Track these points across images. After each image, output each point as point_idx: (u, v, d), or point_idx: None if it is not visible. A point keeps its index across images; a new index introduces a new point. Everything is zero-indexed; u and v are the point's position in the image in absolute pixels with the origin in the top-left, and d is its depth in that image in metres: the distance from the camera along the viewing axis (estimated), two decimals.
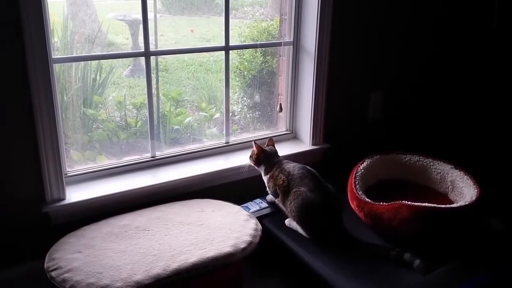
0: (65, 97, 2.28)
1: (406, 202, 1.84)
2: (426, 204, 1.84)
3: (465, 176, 2.11)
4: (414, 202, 1.84)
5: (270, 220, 2.09)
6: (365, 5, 2.47)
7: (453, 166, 2.18)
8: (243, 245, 1.76)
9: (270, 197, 2.15)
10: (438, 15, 2.78)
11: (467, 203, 1.91)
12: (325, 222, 1.92)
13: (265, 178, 2.12)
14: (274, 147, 2.20)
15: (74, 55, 2.39)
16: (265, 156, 2.12)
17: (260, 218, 2.05)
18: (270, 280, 2.08)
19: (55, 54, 2.05)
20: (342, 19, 2.39)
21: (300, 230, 1.98)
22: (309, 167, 2.03)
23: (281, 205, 2.06)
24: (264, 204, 2.18)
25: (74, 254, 1.68)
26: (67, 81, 2.32)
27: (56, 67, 2.02)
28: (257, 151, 2.13)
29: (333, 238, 1.91)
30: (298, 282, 2.00)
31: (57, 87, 1.93)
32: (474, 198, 1.94)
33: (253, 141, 2.19)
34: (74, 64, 2.33)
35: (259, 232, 1.87)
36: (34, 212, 1.89)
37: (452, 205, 1.92)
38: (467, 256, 1.86)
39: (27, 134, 1.82)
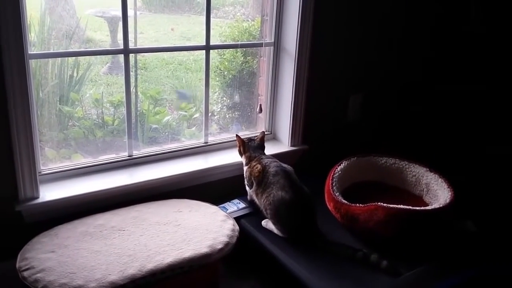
0: (40, 94, 2.23)
1: (381, 204, 1.86)
2: (401, 206, 1.87)
3: (440, 179, 2.14)
4: (390, 204, 1.87)
5: (247, 221, 2.09)
6: (346, 7, 2.49)
7: (428, 169, 2.22)
8: (219, 246, 1.76)
9: (250, 196, 2.17)
10: (419, 22, 2.82)
11: (441, 205, 1.95)
12: (297, 220, 1.93)
13: (244, 168, 2.16)
14: (262, 142, 2.22)
15: (51, 51, 2.35)
16: (244, 148, 2.19)
17: (237, 219, 2.05)
18: (246, 281, 2.08)
19: (32, 50, 2.01)
20: (323, 21, 2.41)
21: (274, 229, 1.99)
22: (285, 165, 2.05)
23: (254, 196, 2.08)
24: (242, 205, 2.18)
25: (47, 253, 1.65)
26: (43, 78, 2.27)
27: (32, 63, 1.98)
28: (238, 144, 2.22)
29: (305, 236, 1.92)
30: (274, 283, 2.01)
31: (32, 83, 1.89)
32: (448, 201, 1.98)
33: (235, 134, 2.24)
34: (50, 60, 2.29)
35: (236, 233, 1.88)
36: (7, 210, 1.85)
37: (426, 207, 1.96)
38: (441, 257, 1.89)
39: (1, 131, 1.78)
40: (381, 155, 2.35)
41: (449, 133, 2.86)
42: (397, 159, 2.32)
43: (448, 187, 2.07)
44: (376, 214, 1.85)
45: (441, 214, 1.92)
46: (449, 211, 1.94)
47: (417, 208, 1.90)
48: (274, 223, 1.98)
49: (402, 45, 2.81)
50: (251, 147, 2.18)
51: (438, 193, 2.11)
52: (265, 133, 2.60)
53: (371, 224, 1.87)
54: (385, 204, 1.86)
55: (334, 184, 2.09)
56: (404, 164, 2.30)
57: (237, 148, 2.24)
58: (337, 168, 2.19)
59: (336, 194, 2.03)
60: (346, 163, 2.24)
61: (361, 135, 2.82)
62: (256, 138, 2.24)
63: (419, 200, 2.21)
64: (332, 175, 2.14)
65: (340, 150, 2.50)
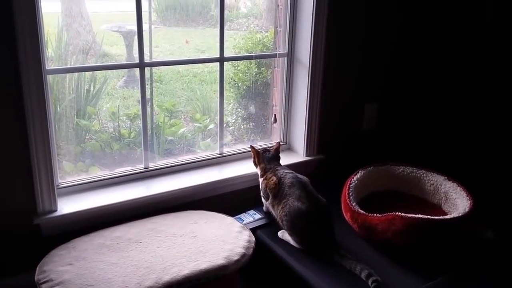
0: (58, 108, 2.27)
1: (399, 213, 1.84)
2: (420, 216, 1.84)
3: (458, 188, 2.11)
4: (408, 214, 1.84)
5: (263, 232, 2.08)
6: (360, 17, 2.49)
7: (446, 178, 2.19)
8: (236, 257, 1.75)
9: (265, 207, 2.16)
10: (433, 30, 2.80)
11: (460, 214, 1.91)
12: (313, 231, 1.91)
13: (260, 180, 2.16)
14: (277, 153, 2.22)
15: (68, 66, 2.39)
16: (258, 159, 2.19)
17: (253, 230, 2.04)
18: None
19: (49, 65, 2.05)
20: (337, 31, 2.41)
21: (291, 240, 1.97)
22: (301, 176, 2.04)
23: (271, 208, 2.07)
24: (258, 216, 2.17)
25: (65, 266, 1.66)
26: (61, 92, 2.31)
27: (50, 78, 2.02)
28: (252, 155, 2.21)
29: (322, 248, 1.90)
30: None
31: (50, 98, 1.92)
32: (467, 210, 1.94)
33: (250, 145, 2.25)
34: (68, 74, 2.33)
35: (253, 244, 1.86)
36: (25, 223, 1.87)
37: (445, 217, 1.92)
38: (460, 267, 1.86)
39: (20, 145, 1.80)
40: (398, 164, 2.32)
41: (466, 141, 2.82)
42: (414, 168, 2.29)
43: (467, 196, 2.04)
44: (394, 223, 1.83)
45: (460, 223, 1.89)
46: (468, 220, 1.91)
47: (436, 217, 1.87)
48: (290, 234, 1.97)
49: (418, 54, 2.79)
50: (266, 158, 2.18)
51: (457, 202, 2.07)
52: (280, 143, 2.60)
53: (389, 234, 1.84)
54: (403, 214, 1.84)
55: (350, 194, 2.07)
56: (421, 173, 2.27)
57: (252, 159, 2.24)
58: (353, 177, 2.17)
59: (353, 204, 2.01)
60: (362, 173, 2.22)
61: (377, 144, 2.80)
62: (271, 148, 2.23)
63: (438, 209, 2.17)
64: (349, 185, 2.12)
65: (356, 159, 2.48)
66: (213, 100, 2.76)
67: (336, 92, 2.53)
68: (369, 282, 1.69)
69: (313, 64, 2.37)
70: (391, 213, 1.86)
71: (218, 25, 2.24)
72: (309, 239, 1.92)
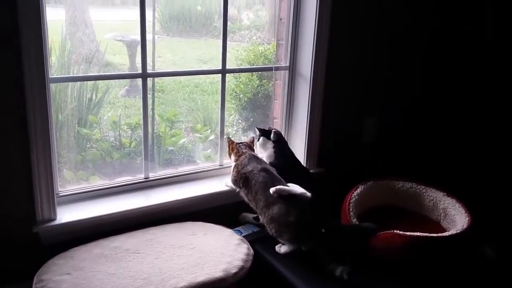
0: (60, 116, 2.28)
1: (397, 231, 1.84)
2: (418, 234, 1.84)
3: (457, 204, 2.11)
4: (407, 230, 1.84)
5: (262, 245, 2.07)
6: (361, 31, 2.51)
7: (445, 194, 2.19)
8: (234, 270, 1.75)
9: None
10: (433, 36, 2.82)
11: (458, 231, 1.92)
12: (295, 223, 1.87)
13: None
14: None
15: (71, 75, 2.40)
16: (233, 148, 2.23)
17: (252, 242, 2.04)
18: None
19: (52, 74, 2.05)
20: (338, 44, 2.42)
21: (287, 249, 1.95)
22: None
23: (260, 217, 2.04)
24: (256, 228, 2.17)
25: (63, 276, 1.66)
26: (63, 100, 2.32)
27: (52, 87, 2.02)
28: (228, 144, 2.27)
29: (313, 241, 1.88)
30: None
31: (52, 106, 1.93)
32: (465, 226, 1.95)
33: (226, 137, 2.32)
34: (70, 83, 2.34)
35: (251, 257, 1.86)
36: (24, 232, 1.87)
37: (444, 234, 1.92)
38: (459, 284, 1.85)
39: (20, 153, 1.81)
40: (397, 179, 2.33)
41: (468, 155, 2.82)
42: (414, 183, 2.29)
43: (466, 212, 2.04)
44: (393, 241, 1.83)
45: (458, 240, 1.89)
46: (466, 237, 1.91)
47: (434, 234, 1.87)
48: (279, 237, 1.94)
49: (419, 69, 2.81)
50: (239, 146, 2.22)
51: (456, 218, 2.08)
52: None
53: (388, 252, 1.84)
54: (401, 232, 1.84)
55: (351, 210, 2.07)
56: (421, 189, 2.27)
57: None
58: (353, 193, 2.17)
59: (354, 220, 2.01)
60: (362, 188, 2.22)
61: (378, 158, 2.80)
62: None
63: (436, 225, 2.17)
64: (349, 200, 2.12)
65: (356, 172, 2.48)
66: (214, 111, 2.77)
67: (337, 105, 2.54)
68: (339, 272, 1.73)
69: (314, 77, 2.38)
70: (389, 231, 1.86)
71: (221, 37, 2.26)
72: (299, 234, 1.89)
